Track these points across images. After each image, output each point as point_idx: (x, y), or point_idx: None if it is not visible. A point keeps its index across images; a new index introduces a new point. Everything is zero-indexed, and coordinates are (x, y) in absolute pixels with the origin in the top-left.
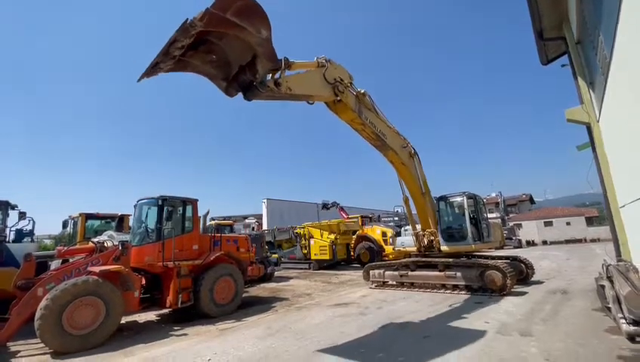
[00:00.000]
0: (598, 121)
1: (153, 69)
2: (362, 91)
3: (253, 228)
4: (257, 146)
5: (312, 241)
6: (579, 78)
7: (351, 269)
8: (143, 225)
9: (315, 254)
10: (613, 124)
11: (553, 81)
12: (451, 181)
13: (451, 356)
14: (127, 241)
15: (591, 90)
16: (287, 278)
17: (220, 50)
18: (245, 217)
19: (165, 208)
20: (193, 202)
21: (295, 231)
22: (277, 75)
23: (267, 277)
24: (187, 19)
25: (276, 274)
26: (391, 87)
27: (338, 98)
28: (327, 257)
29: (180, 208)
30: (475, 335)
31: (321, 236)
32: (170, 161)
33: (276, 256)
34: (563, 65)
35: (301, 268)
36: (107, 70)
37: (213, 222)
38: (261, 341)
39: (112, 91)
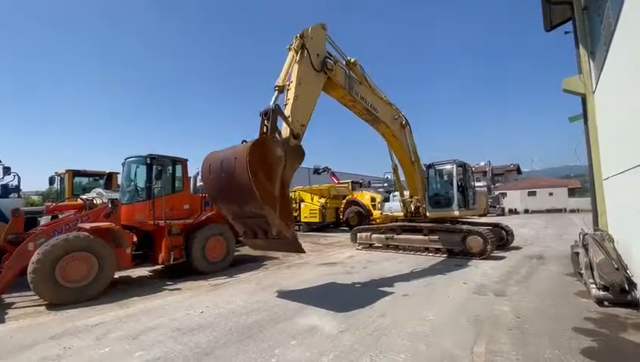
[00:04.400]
0: (593, 93)
1: None
2: (352, 60)
3: None
4: (253, 105)
5: (302, 205)
6: (580, 47)
7: (339, 232)
8: (132, 183)
9: (305, 217)
10: (608, 95)
11: (552, 49)
12: (444, 148)
13: (429, 313)
14: (116, 199)
15: (591, 60)
16: None
17: None
18: None
19: (154, 167)
20: (183, 162)
21: None
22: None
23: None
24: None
25: None
26: (378, 45)
27: (327, 76)
28: (316, 220)
29: (170, 167)
30: (453, 294)
31: (312, 200)
32: (157, 120)
33: None
34: (566, 33)
35: None
36: (101, 20)
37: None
38: (252, 295)
39: (104, 40)
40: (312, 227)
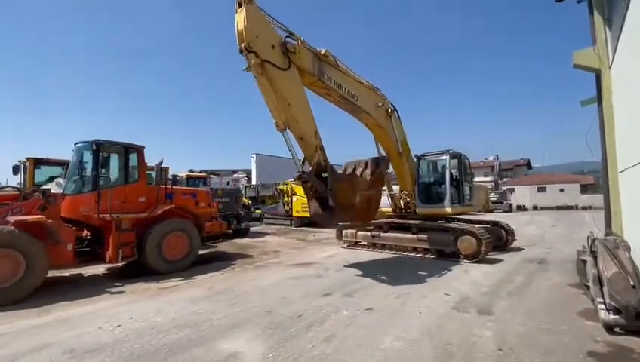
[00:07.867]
0: (610, 68)
1: None
2: (323, 51)
3: (228, 183)
4: (252, 98)
5: (294, 198)
6: (595, 12)
7: (332, 228)
8: (79, 172)
9: (296, 211)
10: (626, 70)
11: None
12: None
13: (388, 337)
14: (49, 189)
15: (607, 28)
16: (264, 234)
17: None
18: (234, 171)
19: (101, 154)
20: (138, 149)
21: (278, 187)
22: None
23: (242, 233)
24: None
25: (257, 229)
26: (391, 37)
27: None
28: (308, 214)
29: (122, 155)
30: (428, 310)
31: (304, 193)
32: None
33: (259, 211)
34: (579, 1)
35: (283, 224)
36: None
37: (183, 173)
38: (192, 304)
39: (97, 22)
40: (304, 222)
